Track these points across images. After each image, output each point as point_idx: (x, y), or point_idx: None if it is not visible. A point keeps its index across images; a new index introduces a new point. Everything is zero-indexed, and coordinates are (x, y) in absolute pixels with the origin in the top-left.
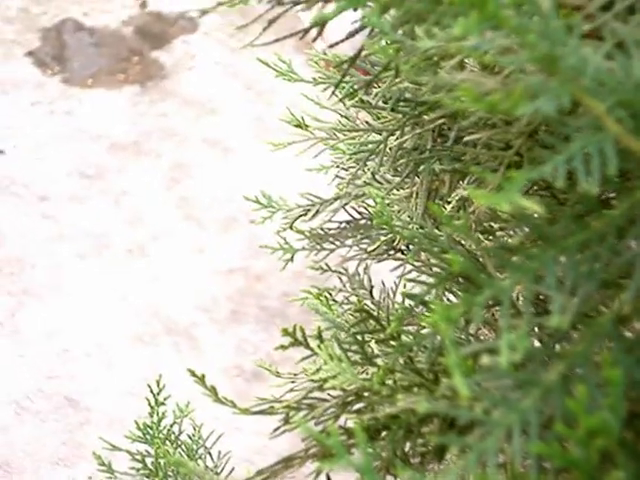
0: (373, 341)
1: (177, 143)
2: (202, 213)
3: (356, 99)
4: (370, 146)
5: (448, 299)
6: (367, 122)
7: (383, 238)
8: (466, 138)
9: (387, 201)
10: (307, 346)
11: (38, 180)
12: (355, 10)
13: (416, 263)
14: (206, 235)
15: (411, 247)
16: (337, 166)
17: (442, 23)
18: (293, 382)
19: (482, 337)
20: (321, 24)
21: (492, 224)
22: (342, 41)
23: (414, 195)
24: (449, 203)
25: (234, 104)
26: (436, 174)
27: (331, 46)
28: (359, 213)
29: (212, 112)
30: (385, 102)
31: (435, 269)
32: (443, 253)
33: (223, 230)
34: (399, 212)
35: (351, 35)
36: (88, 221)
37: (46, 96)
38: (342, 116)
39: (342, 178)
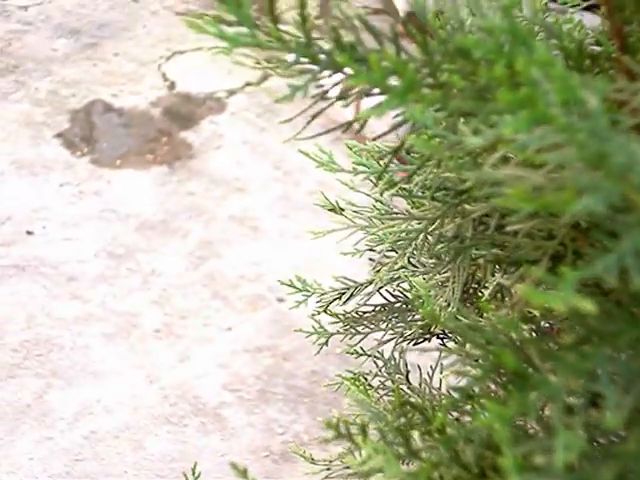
0: (416, 432)
1: (205, 222)
2: (229, 291)
3: (396, 188)
4: (410, 235)
5: (495, 392)
6: (407, 211)
7: (420, 323)
8: (508, 228)
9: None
10: (351, 440)
11: (67, 261)
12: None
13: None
14: (234, 313)
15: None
16: (371, 249)
17: (488, 121)
18: (329, 469)
19: (529, 429)
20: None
21: (531, 310)
22: (385, 134)
23: (451, 280)
24: (486, 288)
25: (262, 183)
26: (473, 259)
27: (375, 139)
28: (394, 296)
29: (240, 191)
30: (424, 190)
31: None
32: (488, 344)
33: (251, 308)
34: (435, 297)
35: (394, 128)
36: (116, 301)
37: (75, 177)
38: (376, 200)
39: (374, 261)
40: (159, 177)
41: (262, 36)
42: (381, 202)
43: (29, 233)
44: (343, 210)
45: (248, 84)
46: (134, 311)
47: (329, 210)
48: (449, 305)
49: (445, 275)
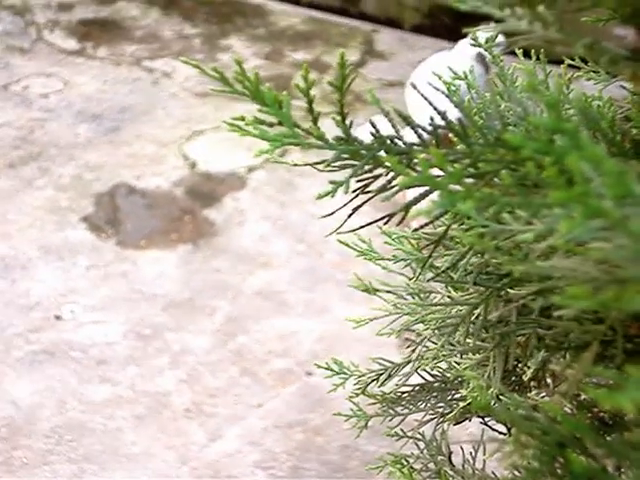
0: None
1: (231, 298)
2: (258, 367)
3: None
4: (453, 320)
5: None
6: (449, 296)
7: (462, 403)
8: (556, 313)
9: (462, 366)
10: None
11: (96, 344)
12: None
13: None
14: (263, 390)
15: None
16: (406, 329)
17: (537, 214)
18: None
19: None
20: (407, 209)
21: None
22: (427, 224)
23: (491, 360)
24: (527, 367)
25: (285, 257)
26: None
27: (416, 230)
28: (432, 376)
29: (264, 265)
30: (466, 275)
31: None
32: (544, 434)
33: (280, 384)
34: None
35: (436, 218)
36: (146, 382)
37: (101, 259)
38: (410, 279)
39: (412, 341)
40: (184, 256)
41: (303, 135)
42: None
43: (58, 318)
44: (378, 291)
45: (267, 160)
46: (164, 391)
47: (362, 291)
48: (489, 387)
49: (484, 355)
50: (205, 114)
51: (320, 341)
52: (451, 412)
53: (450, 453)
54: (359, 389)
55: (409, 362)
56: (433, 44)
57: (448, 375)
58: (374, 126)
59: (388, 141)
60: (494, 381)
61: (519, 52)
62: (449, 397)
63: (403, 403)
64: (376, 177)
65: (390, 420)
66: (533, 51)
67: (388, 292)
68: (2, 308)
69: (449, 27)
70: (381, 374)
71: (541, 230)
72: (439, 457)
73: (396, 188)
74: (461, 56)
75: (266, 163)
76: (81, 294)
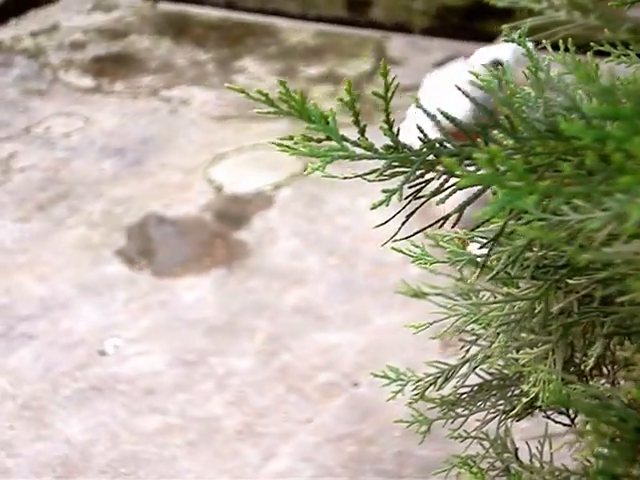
0: None
1: (269, 317)
2: (303, 383)
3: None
4: (515, 316)
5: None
6: (507, 293)
7: (524, 400)
8: (619, 299)
9: (521, 361)
10: None
11: (142, 375)
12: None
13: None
14: (311, 405)
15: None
16: (462, 330)
17: (599, 202)
18: None
19: None
20: (461, 211)
21: None
22: (490, 242)
23: (550, 352)
24: (587, 356)
25: (319, 271)
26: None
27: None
28: (490, 374)
29: (299, 282)
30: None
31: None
32: (621, 421)
33: (327, 397)
34: (535, 372)
35: (491, 218)
36: (195, 408)
37: (139, 291)
38: (457, 279)
39: (467, 341)
40: (219, 279)
41: (351, 148)
42: (463, 280)
43: (102, 353)
44: (426, 294)
45: (292, 176)
46: (213, 415)
47: (411, 296)
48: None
49: (545, 348)
50: (225, 137)
51: (363, 352)
52: (513, 409)
53: (516, 449)
54: (417, 394)
55: (466, 362)
56: (444, 45)
57: (506, 372)
58: (422, 131)
59: (437, 145)
60: (556, 373)
61: (547, 44)
62: (509, 394)
63: (463, 404)
64: (427, 182)
65: (452, 422)
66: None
67: (438, 295)
68: (46, 348)
69: (458, 27)
70: (438, 377)
71: (608, 217)
72: (505, 454)
73: (449, 190)
74: (478, 64)
75: (291, 179)
76: (122, 327)
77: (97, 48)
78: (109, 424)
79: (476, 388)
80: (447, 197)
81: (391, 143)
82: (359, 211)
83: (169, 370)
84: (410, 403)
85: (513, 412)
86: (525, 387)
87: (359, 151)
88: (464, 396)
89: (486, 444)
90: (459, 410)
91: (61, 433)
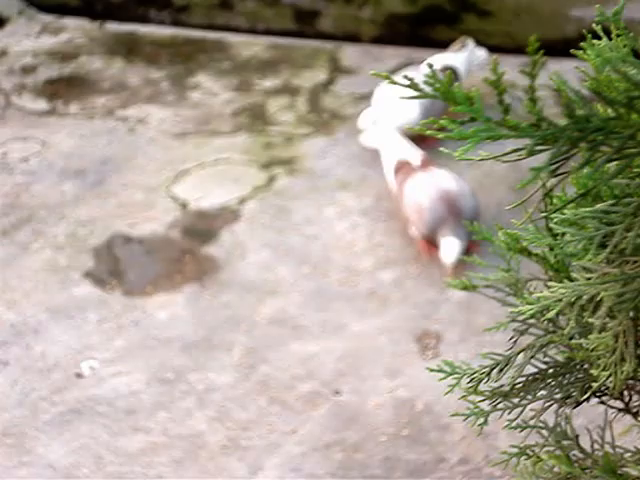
0: None
1: (245, 330)
2: (285, 394)
3: None
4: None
5: None
6: (622, 272)
7: (592, 385)
8: None
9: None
10: None
11: (121, 395)
12: None
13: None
14: (294, 415)
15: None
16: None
17: None
18: None
19: None
20: None
21: None
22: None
23: (621, 335)
24: None
25: (292, 281)
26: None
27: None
28: (545, 363)
29: (273, 293)
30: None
31: None
32: None
33: (310, 407)
34: (605, 356)
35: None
36: (178, 425)
37: (111, 312)
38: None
39: (518, 331)
40: (191, 295)
41: (496, 127)
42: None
43: (78, 375)
44: (476, 287)
45: (256, 188)
46: (197, 432)
47: (461, 289)
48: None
49: (609, 333)
50: (187, 153)
51: (342, 359)
52: (568, 397)
53: (577, 436)
54: (471, 387)
55: (520, 352)
56: (397, 53)
57: (561, 360)
58: (572, 108)
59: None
60: (629, 355)
61: None
62: (565, 382)
63: (520, 394)
64: (568, 158)
65: (509, 413)
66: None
67: (486, 287)
68: (22, 374)
69: (408, 34)
70: (493, 368)
71: None
72: (565, 442)
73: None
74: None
75: (255, 192)
76: (97, 349)
77: (48, 71)
78: (92, 446)
79: (530, 378)
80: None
81: (534, 122)
82: (326, 220)
83: (148, 389)
84: (464, 396)
85: (572, 398)
86: (595, 371)
87: (504, 131)
88: (519, 386)
89: (545, 433)
90: (515, 400)
91: (43, 458)
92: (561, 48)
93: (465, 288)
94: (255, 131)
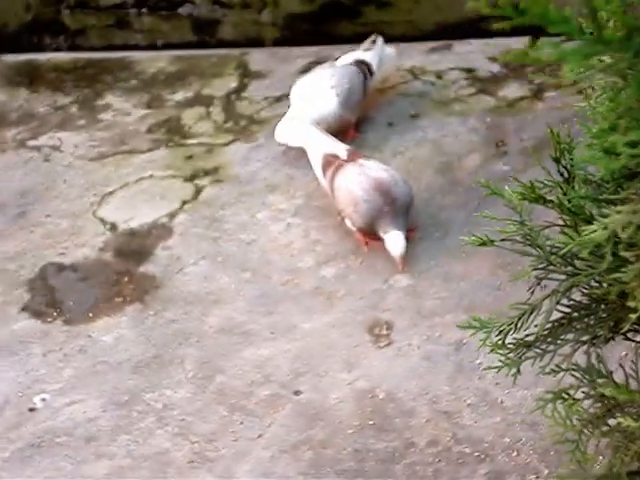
0: None
1: (195, 343)
2: (245, 401)
3: None
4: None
5: None
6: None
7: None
8: None
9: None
10: None
11: (78, 424)
12: None
13: None
14: (257, 420)
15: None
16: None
17: None
18: None
19: None
20: None
21: None
22: None
23: None
24: None
25: (235, 288)
26: None
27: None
28: (569, 307)
29: (217, 303)
30: None
31: None
32: None
33: (272, 410)
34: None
35: None
36: (141, 446)
37: (54, 342)
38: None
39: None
40: (135, 315)
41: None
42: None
43: (32, 410)
44: (493, 242)
45: (184, 202)
46: (162, 449)
47: (479, 245)
48: None
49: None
50: (108, 176)
51: (296, 359)
52: (596, 337)
53: (610, 372)
54: (500, 340)
55: (546, 297)
56: (303, 53)
57: (585, 301)
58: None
59: None
60: None
61: None
62: (592, 322)
63: (548, 340)
64: None
65: (541, 360)
66: None
67: (502, 240)
68: None
69: (311, 33)
70: (520, 318)
71: None
72: (599, 380)
73: None
74: (344, 66)
75: (183, 205)
76: (47, 381)
77: None
78: (57, 479)
79: (556, 324)
80: None
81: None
82: (260, 224)
83: (105, 414)
84: (492, 350)
85: (596, 339)
86: (631, 303)
87: (599, 47)
88: (547, 332)
89: (578, 375)
90: (544, 347)
91: None
92: (466, 29)
93: (484, 244)
94: (174, 145)
